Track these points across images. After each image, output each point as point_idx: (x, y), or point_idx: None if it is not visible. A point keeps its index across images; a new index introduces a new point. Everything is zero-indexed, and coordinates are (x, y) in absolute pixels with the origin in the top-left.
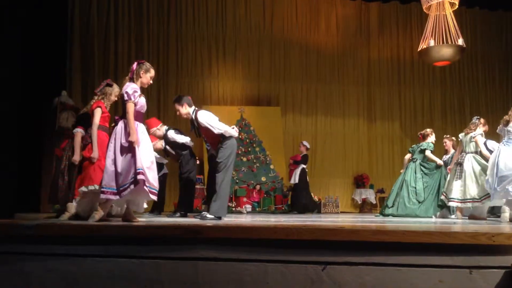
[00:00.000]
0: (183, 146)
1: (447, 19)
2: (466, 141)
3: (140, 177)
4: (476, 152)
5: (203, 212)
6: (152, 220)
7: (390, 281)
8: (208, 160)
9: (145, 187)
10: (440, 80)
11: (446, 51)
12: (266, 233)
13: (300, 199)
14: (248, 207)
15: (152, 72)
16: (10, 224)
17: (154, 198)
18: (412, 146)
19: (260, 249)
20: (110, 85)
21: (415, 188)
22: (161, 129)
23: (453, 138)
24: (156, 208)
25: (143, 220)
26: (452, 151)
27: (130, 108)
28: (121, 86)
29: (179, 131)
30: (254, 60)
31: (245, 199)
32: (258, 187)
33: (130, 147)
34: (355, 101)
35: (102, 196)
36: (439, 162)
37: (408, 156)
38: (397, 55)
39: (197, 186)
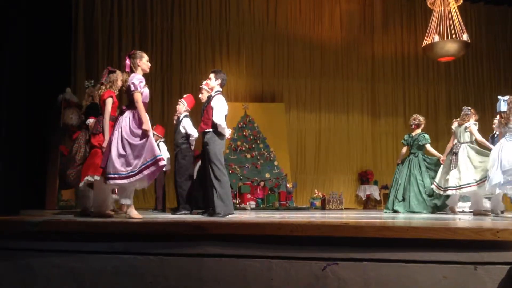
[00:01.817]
0: (186, 137)
1: (452, 15)
2: (461, 132)
3: (162, 163)
4: (471, 142)
5: (211, 210)
6: (157, 217)
7: (394, 277)
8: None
9: (153, 174)
10: (445, 75)
11: (451, 47)
12: (270, 229)
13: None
14: (252, 204)
15: (146, 56)
16: (17, 221)
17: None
18: (405, 138)
19: (265, 245)
20: (114, 71)
21: (423, 182)
22: (181, 109)
23: (503, 120)
24: (160, 204)
25: (147, 217)
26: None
27: (139, 97)
28: (113, 83)
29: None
30: (258, 56)
31: (249, 196)
32: (262, 183)
33: (141, 135)
34: (359, 97)
35: (110, 182)
36: (441, 157)
37: (405, 148)
38: (401, 50)
39: None
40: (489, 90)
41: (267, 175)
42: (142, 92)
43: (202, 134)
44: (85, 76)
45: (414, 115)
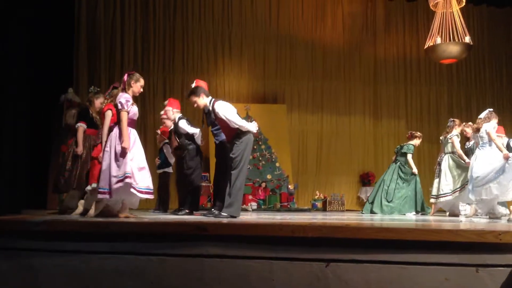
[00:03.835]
0: (191, 138)
1: (454, 17)
2: (446, 143)
3: (127, 180)
4: (453, 153)
5: (216, 211)
6: (158, 217)
7: (395, 279)
8: (215, 154)
9: (132, 189)
10: (447, 78)
11: (453, 49)
12: (271, 230)
13: None
14: (254, 205)
15: (142, 82)
16: (19, 221)
17: (148, 196)
18: (397, 147)
19: (266, 246)
20: (117, 87)
21: (388, 188)
22: (172, 116)
23: (474, 125)
24: (162, 205)
25: (149, 217)
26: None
27: (124, 116)
28: (115, 97)
29: (189, 122)
30: (260, 57)
31: (250, 197)
32: (263, 184)
33: (123, 152)
34: (361, 98)
35: (99, 196)
36: (415, 170)
37: (394, 157)
38: (404, 52)
39: (203, 184)
40: (491, 92)
41: (269, 176)
42: (128, 111)
43: (229, 143)
44: (87, 76)
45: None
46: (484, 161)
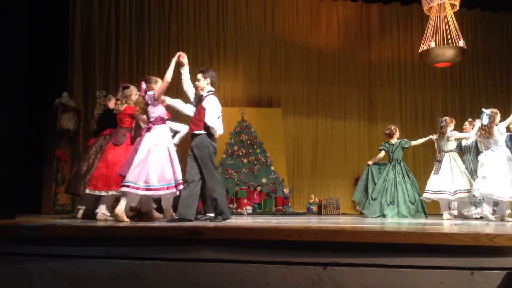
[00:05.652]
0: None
1: (448, 21)
2: (444, 142)
3: (181, 187)
4: (452, 151)
5: (211, 215)
6: (153, 222)
7: (391, 282)
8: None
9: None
10: (441, 81)
11: (447, 53)
12: (267, 234)
13: None
14: (249, 209)
15: (160, 81)
16: (13, 225)
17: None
18: (384, 144)
19: (261, 250)
20: (127, 87)
21: (407, 190)
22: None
23: (474, 122)
24: (156, 209)
25: (144, 221)
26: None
27: (169, 100)
28: (128, 97)
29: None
30: (255, 61)
31: (245, 201)
32: (259, 188)
33: (164, 153)
34: (356, 102)
35: (150, 193)
36: (428, 137)
37: (382, 153)
38: (398, 56)
39: None
40: (485, 96)
41: (264, 180)
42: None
43: (191, 136)
44: (82, 80)
45: (389, 126)
46: (497, 162)
